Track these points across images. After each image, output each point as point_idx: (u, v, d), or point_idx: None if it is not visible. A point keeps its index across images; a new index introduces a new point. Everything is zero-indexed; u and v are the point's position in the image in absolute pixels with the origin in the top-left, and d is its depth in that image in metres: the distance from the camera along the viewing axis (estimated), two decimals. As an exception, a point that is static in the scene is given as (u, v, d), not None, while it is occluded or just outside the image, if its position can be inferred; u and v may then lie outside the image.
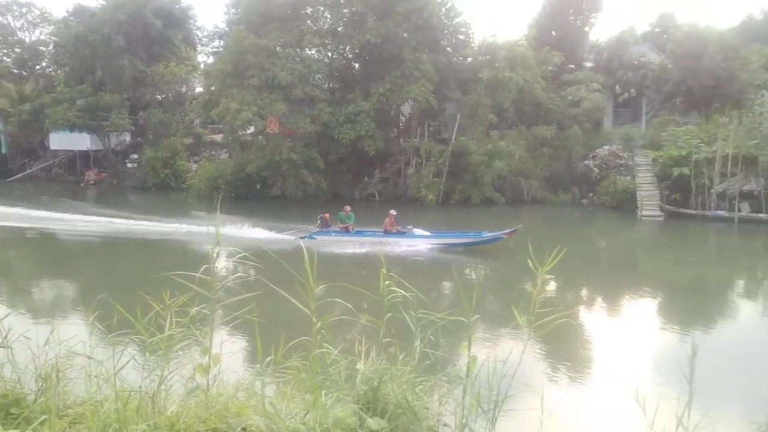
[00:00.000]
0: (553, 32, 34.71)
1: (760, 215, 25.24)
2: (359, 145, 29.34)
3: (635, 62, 33.94)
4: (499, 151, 29.53)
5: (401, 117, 34.07)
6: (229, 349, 3.07)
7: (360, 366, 2.74)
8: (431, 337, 2.91)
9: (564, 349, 9.75)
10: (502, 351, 2.93)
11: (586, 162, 30.10)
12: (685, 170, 26.50)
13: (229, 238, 23.30)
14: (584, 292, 15.28)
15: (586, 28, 35.83)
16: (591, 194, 29.77)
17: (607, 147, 30.47)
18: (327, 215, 19.75)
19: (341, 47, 31.83)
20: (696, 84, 30.26)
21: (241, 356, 6.64)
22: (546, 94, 31.64)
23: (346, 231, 19.40)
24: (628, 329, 12.09)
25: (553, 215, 27.74)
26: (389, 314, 2.79)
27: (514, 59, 29.89)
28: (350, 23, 30.27)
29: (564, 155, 30.99)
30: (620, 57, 33.81)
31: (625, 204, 27.81)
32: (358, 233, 19.47)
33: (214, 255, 2.41)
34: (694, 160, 26.40)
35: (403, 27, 28.90)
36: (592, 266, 18.12)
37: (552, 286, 14.26)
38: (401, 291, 2.83)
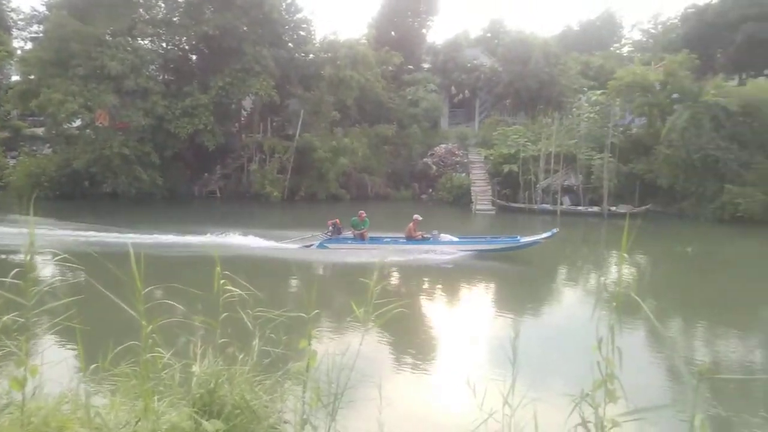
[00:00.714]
0: (393, 33, 36.59)
1: (579, 208, 29.18)
2: (198, 139, 28.73)
3: (469, 65, 37.13)
4: (343, 148, 30.45)
5: (243, 112, 33.51)
6: (53, 358, 2.90)
7: (195, 368, 2.77)
8: (272, 335, 2.96)
9: (404, 339, 10.39)
10: (344, 344, 3.03)
11: (425, 159, 32.34)
12: (514, 167, 29.70)
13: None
14: (421, 282, 16.24)
15: (424, 30, 38.29)
16: (430, 190, 31.98)
17: (444, 145, 32.98)
18: (338, 221, 18.52)
19: (177, 38, 30.88)
20: (523, 87, 34.01)
21: (68, 366, 6.12)
22: (387, 93, 33.38)
23: (361, 238, 18.19)
24: (462, 317, 13.23)
25: (396, 210, 29.26)
26: (225, 314, 2.84)
27: (355, 58, 30.99)
28: (186, 13, 29.47)
29: (405, 153, 32.91)
30: (455, 59, 36.73)
31: (461, 199, 30.28)
32: (374, 240, 18.35)
33: (28, 258, 2.32)
34: (522, 157, 29.74)
35: (243, 20, 28.82)
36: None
37: (394, 277, 15.15)
38: (237, 290, 2.87)
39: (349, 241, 18.10)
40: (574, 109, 33.04)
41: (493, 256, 18.02)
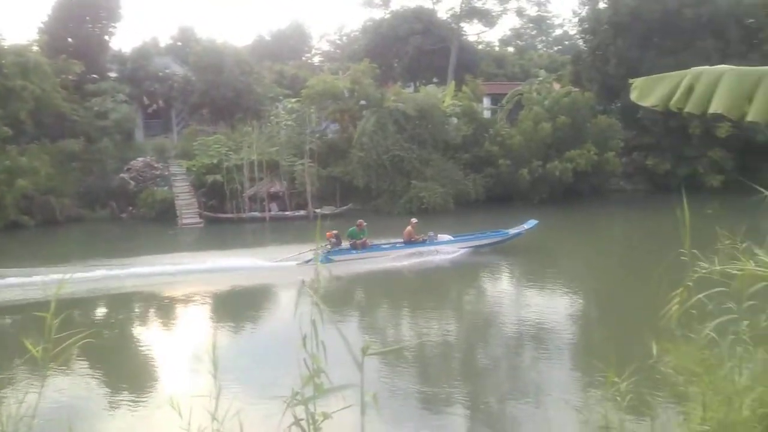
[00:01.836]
0: (69, 39, 39.01)
1: (286, 213, 35.78)
2: None
3: (160, 74, 41.83)
4: (20, 169, 31.89)
5: None
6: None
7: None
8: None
9: (104, 371, 11.90)
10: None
11: (122, 175, 35.26)
12: (218, 177, 35.12)
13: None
14: (124, 310, 18.34)
15: (106, 37, 41.36)
16: (130, 207, 35.25)
17: (141, 159, 36.36)
18: (337, 232, 21.85)
19: None
20: (218, 95, 40.07)
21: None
22: (69, 105, 35.69)
23: (363, 246, 21.89)
24: (167, 334, 15.78)
25: (93, 233, 31.90)
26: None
27: (25, 66, 33.11)
28: None
29: (97, 169, 35.49)
30: (145, 68, 40.99)
31: (166, 214, 34.05)
32: (376, 248, 22.16)
33: None
34: (225, 167, 35.37)
35: None
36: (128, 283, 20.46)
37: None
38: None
39: (354, 252, 21.82)
40: (272, 117, 39.89)
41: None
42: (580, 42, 46.13)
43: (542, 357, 13.44)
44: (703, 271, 5.60)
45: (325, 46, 72.12)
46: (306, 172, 34.88)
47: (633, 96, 3.70)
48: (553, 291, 19.71)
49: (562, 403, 9.17)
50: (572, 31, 53.29)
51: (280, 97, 42.10)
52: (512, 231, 22.81)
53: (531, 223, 23.00)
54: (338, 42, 68.75)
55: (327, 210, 34.47)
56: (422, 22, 48.31)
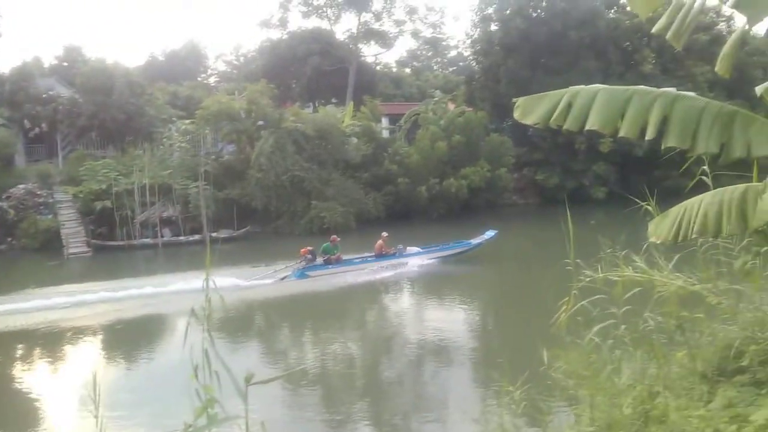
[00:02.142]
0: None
1: (180, 238, 34.82)
2: None
3: (44, 96, 39.75)
4: None
5: None
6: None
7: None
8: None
9: None
10: None
11: (0, 204, 33.25)
12: (108, 203, 33.56)
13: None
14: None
15: (-21, 56, 39.32)
16: (10, 238, 33.03)
17: (22, 186, 34.20)
18: (311, 248, 22.50)
19: None
20: (108, 118, 38.36)
21: None
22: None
23: (338, 261, 22.72)
24: (50, 374, 15.12)
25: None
26: None
27: None
28: None
29: (-30, 198, 33.24)
30: (26, 89, 38.88)
31: (51, 244, 32.16)
32: (348, 262, 22.96)
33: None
34: (115, 192, 34.01)
35: None
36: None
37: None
38: None
39: (329, 266, 22.44)
40: (165, 140, 38.88)
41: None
42: (474, 63, 47.82)
43: (443, 371, 13.70)
44: (587, 279, 5.92)
45: (222, 67, 71.16)
46: (201, 196, 33.82)
47: (516, 114, 3.89)
48: (452, 304, 20.16)
49: (461, 415, 9.38)
50: (466, 53, 55.05)
51: (174, 119, 40.98)
52: (474, 241, 24.09)
53: (490, 233, 24.38)
54: (235, 62, 67.92)
55: (224, 233, 33.77)
56: (320, 43, 48.61)
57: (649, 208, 5.79)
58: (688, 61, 41.21)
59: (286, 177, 34.77)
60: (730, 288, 5.85)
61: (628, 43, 41.48)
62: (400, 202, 36.96)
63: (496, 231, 24.54)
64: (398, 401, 12.29)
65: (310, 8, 51.51)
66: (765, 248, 4.02)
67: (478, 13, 44.33)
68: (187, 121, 38.91)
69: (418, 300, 21.70)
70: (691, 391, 5.35)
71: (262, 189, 35.05)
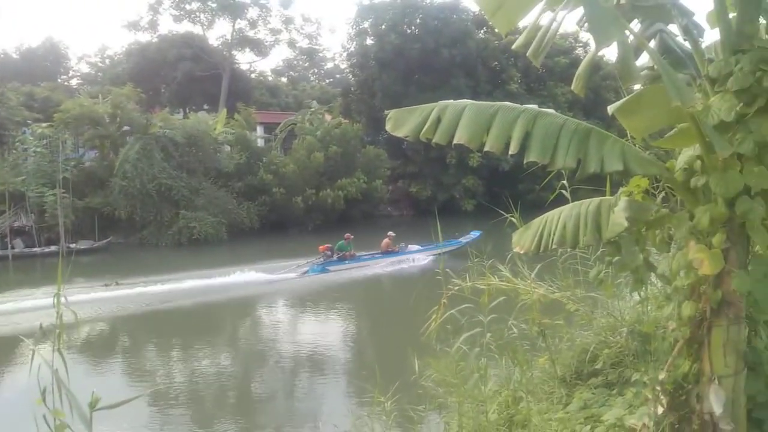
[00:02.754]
0: None
1: (35, 249, 32.36)
2: None
3: None
4: None
5: None
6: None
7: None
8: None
9: None
10: None
11: None
12: (-49, 211, 30.79)
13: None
14: None
15: None
16: None
17: None
18: (329, 245, 24.51)
19: None
20: (-49, 120, 35.10)
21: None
22: None
23: (352, 257, 25.01)
24: None
25: None
26: None
27: None
28: None
29: None
30: None
31: None
32: (360, 258, 25.41)
33: None
34: (-41, 200, 31.10)
35: None
36: None
37: None
38: None
39: (345, 262, 24.72)
40: (18, 144, 36.19)
41: None
42: (350, 75, 48.27)
43: (317, 383, 13.65)
44: (456, 288, 6.10)
45: (85, 68, 66.86)
46: (59, 204, 31.67)
47: (388, 126, 3.92)
48: (327, 316, 20.15)
49: (332, 428, 9.33)
50: (343, 65, 55.52)
51: (29, 122, 38.04)
52: (463, 240, 25.62)
53: (475, 233, 26.30)
54: (100, 64, 64.11)
55: (84, 245, 31.96)
56: (192, 48, 47.10)
57: (514, 219, 6.07)
58: (550, 81, 43.99)
59: (152, 185, 33.32)
60: (586, 296, 6.25)
61: (496, 63, 43.55)
62: (275, 212, 36.53)
63: (480, 232, 25.96)
64: (269, 417, 12.08)
65: (182, 12, 49.82)
66: (617, 258, 4.30)
67: (354, 26, 44.82)
68: (45, 125, 36.22)
69: (293, 314, 21.48)
70: (551, 394, 5.64)
71: (126, 197, 33.37)
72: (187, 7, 49.75)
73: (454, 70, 41.21)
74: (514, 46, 3.37)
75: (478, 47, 41.23)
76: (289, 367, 15.08)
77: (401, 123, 3.80)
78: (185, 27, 52.93)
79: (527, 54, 3.26)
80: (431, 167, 40.81)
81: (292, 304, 22.41)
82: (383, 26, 41.79)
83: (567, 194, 5.94)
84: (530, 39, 3.22)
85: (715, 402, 3.46)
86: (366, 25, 43.93)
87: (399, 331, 15.61)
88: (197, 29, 52.73)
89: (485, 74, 42.68)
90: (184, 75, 46.08)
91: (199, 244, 32.22)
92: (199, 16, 50.98)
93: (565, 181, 6.04)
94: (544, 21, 3.21)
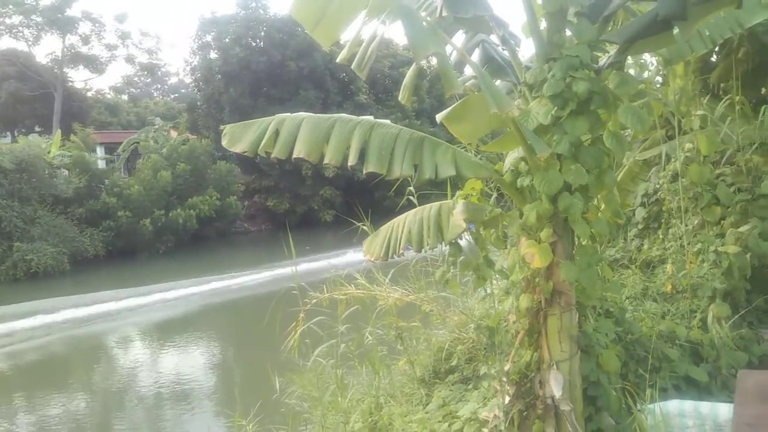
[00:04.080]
0: None
1: None
2: None
3: None
4: None
5: None
6: None
7: None
8: None
9: None
10: None
11: None
12: None
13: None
14: None
15: None
16: None
17: None
18: None
19: None
20: None
21: None
22: None
23: None
24: None
25: None
26: None
27: None
28: None
29: None
30: None
31: None
32: None
33: None
34: None
35: None
36: None
37: None
38: None
39: None
40: None
41: None
42: (195, 90, 47.01)
43: (178, 414, 13.14)
44: (314, 301, 6.12)
45: None
46: None
47: (224, 142, 3.86)
48: (186, 345, 19.45)
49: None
50: (187, 80, 53.77)
51: None
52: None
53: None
54: None
55: None
56: (17, 66, 43.50)
57: (365, 228, 6.19)
58: (397, 91, 45.14)
59: (-22, 217, 30.42)
60: (439, 296, 6.50)
61: (344, 74, 44.14)
62: (122, 237, 34.62)
63: None
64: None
65: (1, 27, 45.92)
66: (461, 258, 4.50)
67: (197, 40, 43.73)
68: None
69: (148, 347, 20.45)
70: (412, 396, 5.80)
71: None
72: (7, 21, 45.95)
73: (302, 82, 41.34)
74: (338, 60, 3.44)
75: (325, 59, 41.61)
76: (150, 404, 14.35)
77: (238, 138, 3.76)
78: (7, 43, 48.90)
79: (352, 67, 3.34)
80: (287, 180, 40.62)
81: (143, 337, 21.37)
82: (227, 39, 41.11)
83: (414, 200, 6.14)
84: (354, 52, 3.31)
85: (554, 386, 3.72)
86: (209, 38, 43.00)
87: (260, 350, 15.36)
88: (21, 45, 48.86)
89: (334, 86, 43.16)
90: (9, 95, 42.45)
91: (38, 278, 29.89)
92: (23, 32, 47.26)
93: (411, 187, 6.24)
94: (367, 34, 3.31)
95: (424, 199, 5.63)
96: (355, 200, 38.81)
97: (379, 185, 33.71)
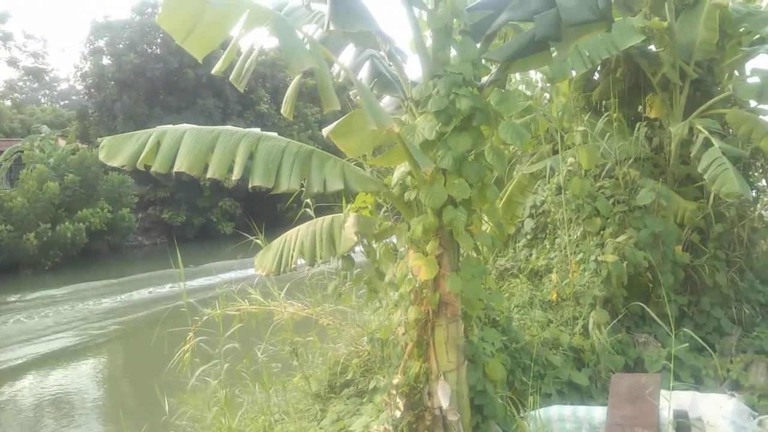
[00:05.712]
0: None
1: None
2: None
3: None
4: None
5: None
6: None
7: None
8: None
9: None
10: None
11: None
12: None
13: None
14: None
15: None
16: None
17: None
18: None
19: None
20: None
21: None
22: None
23: None
24: None
25: None
26: None
27: None
28: None
29: None
30: None
31: None
32: None
33: None
34: None
35: None
36: None
37: None
38: None
39: None
40: None
41: None
42: (86, 97, 44.95)
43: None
44: (205, 317, 5.96)
45: None
46: None
47: (101, 156, 3.69)
48: (76, 364, 18.44)
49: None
50: (78, 86, 51.21)
51: None
52: None
53: None
54: None
55: None
56: None
57: (258, 241, 6.10)
58: (299, 102, 45.14)
59: None
60: (336, 309, 6.49)
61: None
62: (4, 252, 32.48)
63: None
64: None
65: None
66: (357, 270, 4.53)
67: (88, 45, 41.85)
68: None
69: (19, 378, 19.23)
70: (306, 413, 5.75)
71: None
72: None
73: (201, 90, 40.42)
74: (213, 71, 3.38)
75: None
76: (26, 420, 13.48)
77: (116, 151, 3.61)
78: None
79: (230, 79, 3.30)
80: (184, 191, 39.48)
81: (22, 366, 20.06)
82: (121, 45, 39.62)
83: (311, 211, 6.11)
84: (230, 63, 3.26)
85: (442, 396, 3.80)
86: (101, 43, 41.25)
87: (150, 371, 14.78)
88: None
89: (234, 95, 42.41)
90: None
91: None
92: None
93: (309, 200, 6.20)
94: (245, 46, 3.28)
95: (326, 211, 5.61)
96: (254, 212, 38.47)
97: (281, 196, 33.29)
